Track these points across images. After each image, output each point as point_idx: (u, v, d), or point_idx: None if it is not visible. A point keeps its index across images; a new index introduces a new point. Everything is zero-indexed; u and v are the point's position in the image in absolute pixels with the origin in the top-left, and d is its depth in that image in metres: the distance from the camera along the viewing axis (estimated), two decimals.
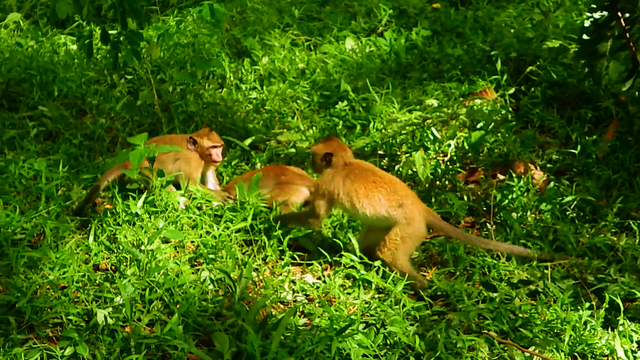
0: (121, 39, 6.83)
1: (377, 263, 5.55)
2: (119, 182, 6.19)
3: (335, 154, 5.74)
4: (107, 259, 5.53)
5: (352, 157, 5.87)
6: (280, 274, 5.58)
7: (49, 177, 6.36)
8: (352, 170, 5.71)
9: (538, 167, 6.80)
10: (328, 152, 5.75)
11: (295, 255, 5.73)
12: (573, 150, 6.94)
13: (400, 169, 6.56)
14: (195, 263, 5.59)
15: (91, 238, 5.64)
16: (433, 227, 5.72)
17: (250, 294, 5.25)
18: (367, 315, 5.09)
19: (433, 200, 6.34)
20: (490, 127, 7.08)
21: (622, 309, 5.06)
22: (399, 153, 6.97)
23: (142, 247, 5.48)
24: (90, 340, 4.73)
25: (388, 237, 5.54)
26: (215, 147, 6.49)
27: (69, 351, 4.63)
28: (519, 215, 6.16)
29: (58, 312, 4.91)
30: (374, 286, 5.37)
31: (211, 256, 5.56)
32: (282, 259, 5.70)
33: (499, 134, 7.06)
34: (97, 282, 5.26)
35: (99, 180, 6.22)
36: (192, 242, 5.75)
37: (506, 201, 6.29)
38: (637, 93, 6.99)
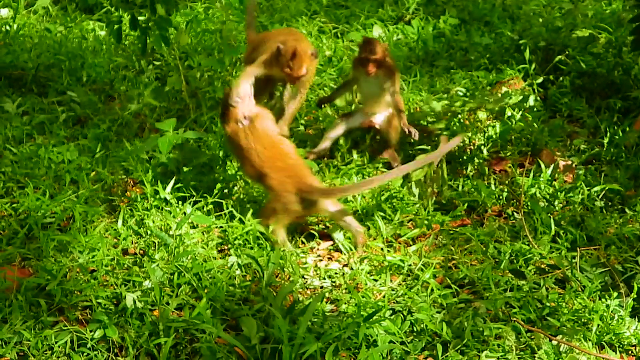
0: (150, 24, 6.85)
1: (409, 249, 5.60)
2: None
3: None
4: (135, 243, 5.58)
5: None
6: (306, 261, 5.61)
7: (78, 162, 6.40)
8: None
9: (566, 157, 6.77)
10: None
11: (320, 241, 5.81)
12: (601, 140, 6.91)
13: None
14: (223, 248, 5.62)
15: (120, 222, 5.68)
16: (310, 196, 5.72)
17: (277, 280, 5.27)
18: (394, 302, 5.10)
19: (460, 188, 6.33)
20: (519, 115, 7.05)
21: None
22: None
23: (171, 232, 5.52)
24: (119, 324, 4.78)
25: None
26: None
27: (98, 334, 4.68)
28: (546, 204, 6.15)
29: (87, 295, 4.96)
30: (404, 269, 5.38)
31: (238, 242, 5.59)
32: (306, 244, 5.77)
33: (527, 123, 7.04)
34: (126, 266, 5.30)
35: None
36: (219, 227, 5.77)
37: (533, 190, 6.28)
38: None
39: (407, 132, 6.53)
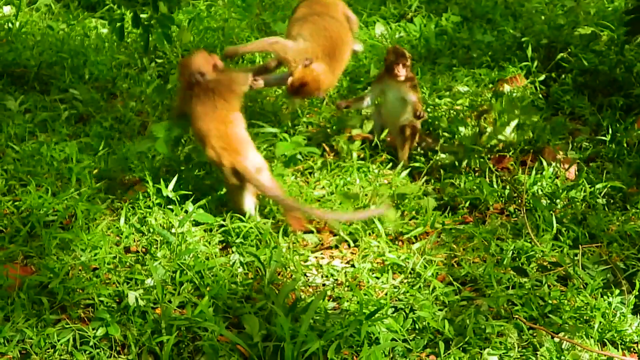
0: (152, 22, 6.85)
1: (412, 247, 5.62)
2: None
3: None
4: (137, 241, 5.58)
5: None
6: (308, 258, 5.61)
7: (80, 159, 6.40)
8: None
9: (568, 154, 6.77)
10: None
11: (322, 238, 5.82)
12: (604, 138, 6.91)
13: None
14: (225, 246, 5.63)
15: (122, 220, 5.68)
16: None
17: (279, 278, 5.28)
18: (396, 300, 5.10)
19: (462, 185, 6.33)
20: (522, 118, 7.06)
21: None
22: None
23: (173, 230, 5.52)
24: (122, 322, 4.78)
25: None
26: None
27: (100, 332, 4.68)
28: (548, 202, 6.15)
29: (90, 293, 4.96)
30: (408, 268, 5.38)
31: (239, 240, 5.59)
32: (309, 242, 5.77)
33: (529, 121, 7.04)
34: (128, 264, 5.30)
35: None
36: (221, 225, 5.77)
37: (535, 188, 6.28)
38: None
39: (417, 114, 6.54)
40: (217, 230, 5.71)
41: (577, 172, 6.49)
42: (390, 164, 6.67)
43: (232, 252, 5.50)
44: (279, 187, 5.85)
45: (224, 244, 5.65)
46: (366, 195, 6.14)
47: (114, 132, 7.05)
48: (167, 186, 5.88)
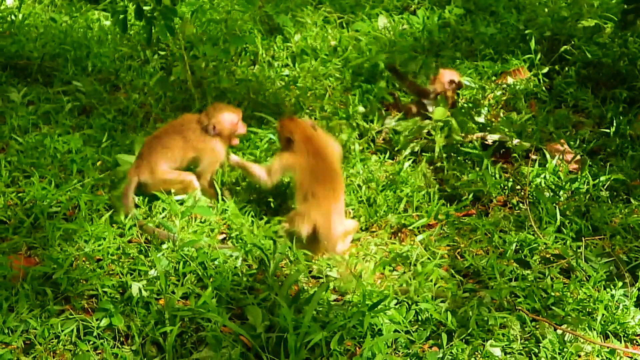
0: (155, 14, 6.83)
1: (415, 239, 5.61)
2: None
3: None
4: (141, 232, 5.58)
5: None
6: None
7: (83, 151, 6.41)
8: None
9: (571, 147, 6.76)
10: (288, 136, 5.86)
11: None
12: (607, 130, 6.91)
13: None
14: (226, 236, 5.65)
15: None
16: None
17: (282, 269, 5.28)
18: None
19: (465, 177, 6.33)
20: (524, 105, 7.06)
21: None
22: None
23: (176, 221, 5.53)
24: (125, 312, 4.79)
25: None
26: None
27: (104, 322, 4.69)
28: (551, 194, 6.14)
29: (93, 284, 4.97)
30: (412, 259, 5.39)
31: (236, 233, 5.61)
32: None
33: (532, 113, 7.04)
34: (131, 255, 5.31)
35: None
36: (221, 219, 5.78)
37: (538, 180, 6.28)
38: None
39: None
40: (218, 223, 5.73)
41: (580, 165, 6.48)
42: (388, 153, 6.67)
43: (234, 243, 5.51)
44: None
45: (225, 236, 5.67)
46: (369, 187, 6.16)
47: (117, 124, 7.05)
48: None
